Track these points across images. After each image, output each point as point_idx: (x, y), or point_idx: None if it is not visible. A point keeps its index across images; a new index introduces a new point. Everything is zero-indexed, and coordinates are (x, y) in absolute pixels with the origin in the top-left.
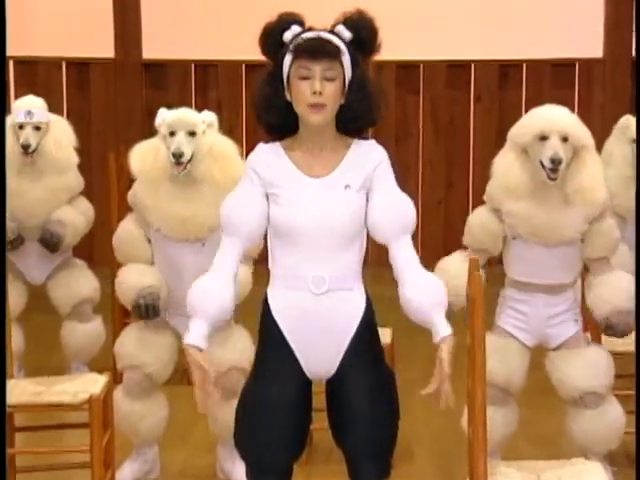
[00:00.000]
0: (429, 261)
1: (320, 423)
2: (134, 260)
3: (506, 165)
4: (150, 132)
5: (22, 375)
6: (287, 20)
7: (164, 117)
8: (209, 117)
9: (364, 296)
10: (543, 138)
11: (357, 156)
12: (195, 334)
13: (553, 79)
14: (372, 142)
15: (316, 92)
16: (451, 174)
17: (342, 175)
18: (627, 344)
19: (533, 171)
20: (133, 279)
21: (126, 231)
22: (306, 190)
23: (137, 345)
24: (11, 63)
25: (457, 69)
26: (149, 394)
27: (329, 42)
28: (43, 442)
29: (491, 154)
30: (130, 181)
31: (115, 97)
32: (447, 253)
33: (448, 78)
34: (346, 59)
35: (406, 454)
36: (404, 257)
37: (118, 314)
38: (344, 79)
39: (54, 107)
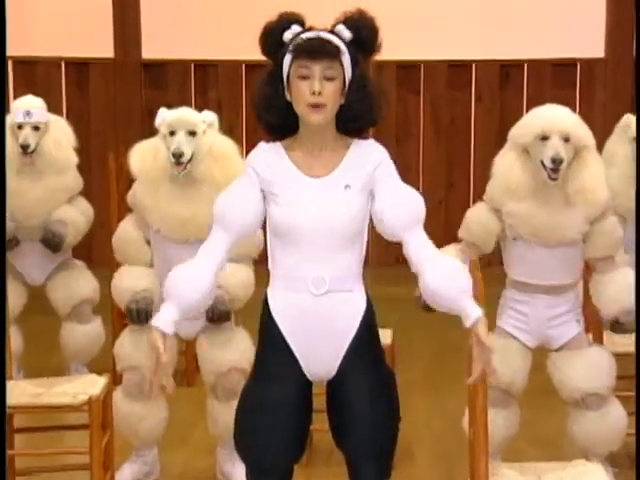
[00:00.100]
0: None
1: (320, 424)
2: (133, 261)
3: (507, 165)
4: (150, 132)
5: (21, 376)
6: (287, 20)
7: (164, 117)
8: (209, 117)
9: (364, 297)
10: (544, 138)
11: (357, 156)
12: (164, 318)
13: (554, 79)
14: (371, 141)
15: (315, 92)
16: (452, 174)
17: (342, 175)
18: (628, 345)
19: (534, 171)
20: (127, 282)
21: (125, 232)
22: (306, 190)
23: (137, 346)
24: (10, 63)
25: (458, 69)
26: (149, 396)
27: (329, 42)
28: (42, 443)
29: (492, 154)
30: (130, 181)
31: (114, 97)
32: None
33: (449, 78)
34: (346, 59)
35: (407, 455)
36: (420, 247)
37: (117, 315)
38: (344, 79)
39: (53, 107)
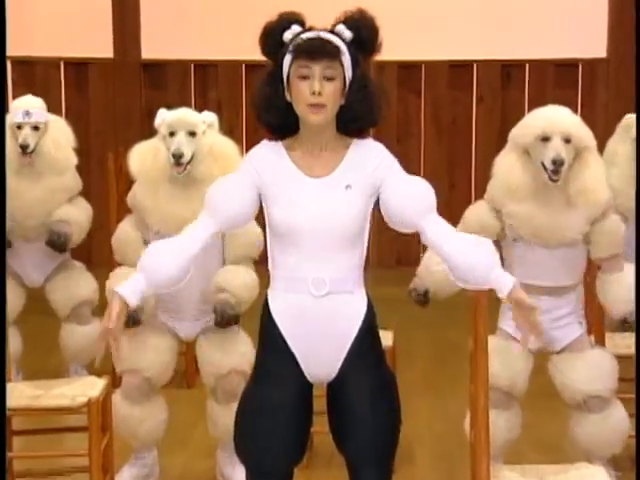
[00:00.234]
0: None
1: (321, 427)
2: (131, 263)
3: (507, 166)
4: (149, 132)
5: (20, 378)
6: (287, 20)
7: (164, 117)
8: (209, 117)
9: (365, 298)
10: (545, 139)
11: (357, 156)
12: (132, 287)
13: (556, 79)
14: (370, 140)
15: (316, 92)
16: (453, 175)
17: (342, 175)
18: (630, 347)
19: (535, 172)
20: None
21: (124, 233)
22: (306, 190)
23: (136, 348)
24: (9, 63)
25: (459, 69)
26: (148, 398)
27: (329, 42)
28: (41, 446)
29: (493, 155)
30: (129, 182)
31: (114, 97)
32: None
33: (450, 78)
34: (346, 59)
35: (408, 458)
36: (440, 231)
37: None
38: (345, 79)
39: (52, 107)
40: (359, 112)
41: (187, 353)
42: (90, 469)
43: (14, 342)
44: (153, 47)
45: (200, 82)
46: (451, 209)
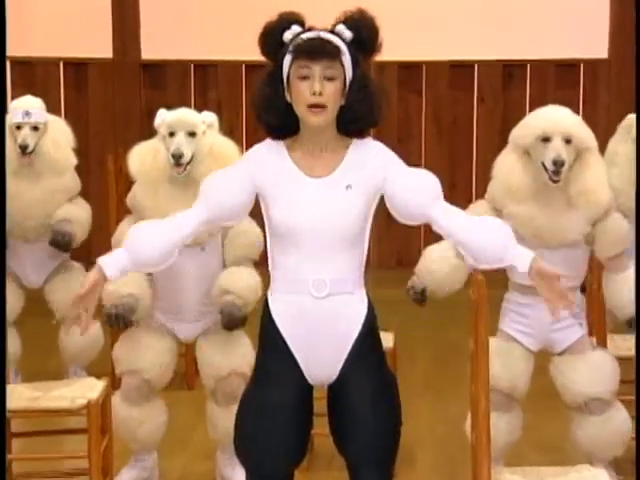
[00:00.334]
0: None
1: (321, 429)
2: None
3: (508, 166)
4: (149, 133)
5: (19, 380)
6: (287, 20)
7: (163, 117)
8: (209, 117)
9: (365, 300)
10: (545, 139)
11: (357, 156)
12: (113, 260)
13: (557, 79)
14: (369, 140)
15: (316, 92)
16: (454, 175)
17: (343, 175)
18: (631, 348)
19: (535, 173)
20: (112, 286)
21: (123, 234)
22: (306, 190)
23: (136, 350)
24: (8, 63)
25: (460, 69)
26: (148, 399)
27: (329, 42)
28: (40, 448)
29: (494, 155)
30: (129, 183)
31: (113, 98)
32: None
33: (451, 78)
34: (346, 59)
35: (408, 460)
36: (451, 217)
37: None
38: (345, 79)
39: (51, 108)
40: (359, 112)
41: (187, 355)
42: (89, 471)
43: (13, 344)
44: (153, 47)
45: (200, 82)
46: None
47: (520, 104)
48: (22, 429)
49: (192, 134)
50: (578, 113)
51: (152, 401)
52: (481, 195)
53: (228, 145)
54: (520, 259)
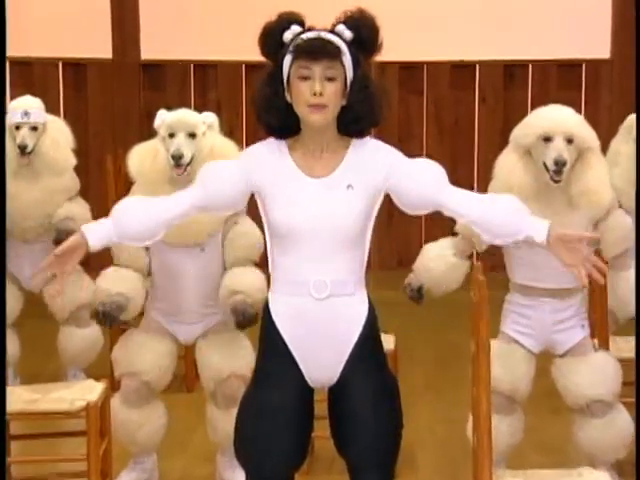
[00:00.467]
0: None
1: (322, 431)
2: (128, 265)
3: (509, 166)
4: (149, 134)
5: (18, 382)
6: (287, 20)
7: (163, 118)
8: (209, 118)
9: (366, 301)
10: (547, 139)
11: (357, 156)
12: (98, 231)
13: (559, 80)
14: (368, 139)
15: (317, 93)
16: (455, 175)
17: (343, 175)
18: (634, 350)
19: (536, 173)
20: (105, 284)
21: None
22: (306, 190)
23: (135, 352)
24: (7, 64)
25: (461, 70)
26: (147, 402)
27: (329, 42)
28: (39, 451)
29: (496, 155)
30: (128, 184)
31: (113, 98)
32: None
33: (452, 79)
34: (347, 59)
35: (409, 462)
36: (459, 201)
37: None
38: (345, 80)
39: (50, 108)
40: (360, 113)
41: (186, 357)
42: (88, 474)
43: (12, 346)
44: (152, 47)
45: (200, 83)
46: None
47: (522, 104)
48: (21, 432)
49: (192, 135)
50: (580, 113)
51: (151, 403)
52: None
53: (228, 146)
54: (536, 229)
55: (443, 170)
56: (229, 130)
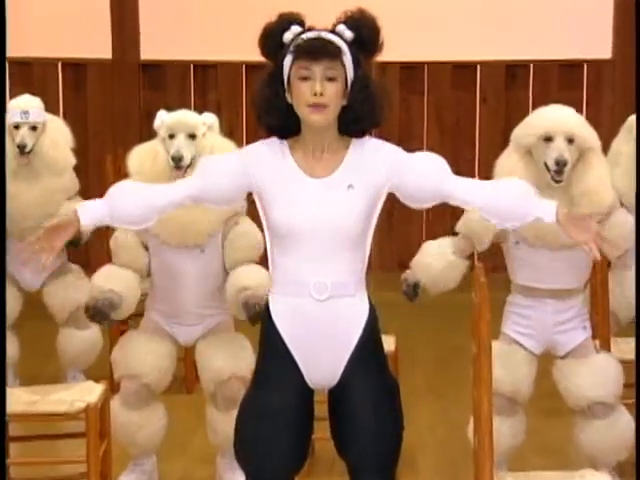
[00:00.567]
0: None
1: (322, 433)
2: (128, 266)
3: (510, 166)
4: (148, 134)
5: (17, 384)
6: (287, 20)
7: (163, 119)
8: (209, 119)
9: (367, 302)
10: (548, 139)
11: (358, 156)
12: (90, 209)
13: (561, 80)
14: (368, 138)
15: (317, 93)
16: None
17: (344, 175)
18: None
19: (537, 173)
20: (99, 281)
21: (122, 236)
22: (306, 190)
23: (135, 354)
24: (7, 64)
25: (462, 70)
26: (147, 403)
27: (330, 42)
28: (38, 452)
29: (497, 156)
30: None
31: (112, 99)
32: None
33: (453, 79)
34: (347, 59)
35: (410, 464)
36: (465, 190)
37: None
38: (346, 80)
39: (50, 108)
40: (361, 113)
41: (186, 358)
42: (88, 476)
43: (11, 347)
44: (152, 48)
45: (200, 83)
46: (454, 208)
47: (523, 105)
48: (20, 433)
49: (192, 136)
50: (582, 114)
51: (151, 405)
52: None
53: (229, 146)
54: (544, 209)
55: (444, 160)
56: (229, 131)
